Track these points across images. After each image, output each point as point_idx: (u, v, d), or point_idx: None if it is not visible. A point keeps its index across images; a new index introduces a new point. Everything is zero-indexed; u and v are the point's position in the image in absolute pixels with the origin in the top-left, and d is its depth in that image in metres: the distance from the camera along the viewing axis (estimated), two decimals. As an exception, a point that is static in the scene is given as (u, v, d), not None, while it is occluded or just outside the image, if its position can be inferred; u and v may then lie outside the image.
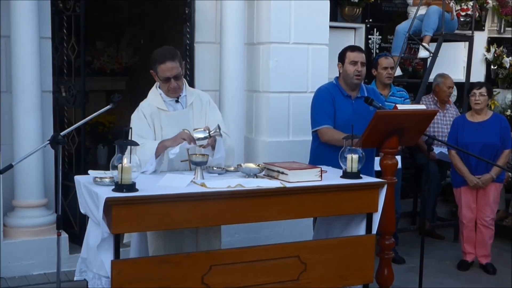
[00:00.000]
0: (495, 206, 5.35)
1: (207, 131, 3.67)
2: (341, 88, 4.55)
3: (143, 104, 3.92)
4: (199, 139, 3.66)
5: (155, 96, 3.94)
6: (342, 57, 4.56)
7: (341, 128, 4.33)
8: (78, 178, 3.62)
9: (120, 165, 3.15)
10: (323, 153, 4.45)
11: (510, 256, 5.66)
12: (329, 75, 5.53)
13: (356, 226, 3.90)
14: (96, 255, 3.27)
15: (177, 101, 3.94)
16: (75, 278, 3.66)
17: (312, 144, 4.65)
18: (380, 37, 7.32)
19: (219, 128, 3.70)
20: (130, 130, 3.37)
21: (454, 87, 7.37)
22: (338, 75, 4.63)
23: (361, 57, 4.49)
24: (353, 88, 4.53)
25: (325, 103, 4.49)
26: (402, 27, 6.67)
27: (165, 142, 3.71)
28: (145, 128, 3.82)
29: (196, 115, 3.96)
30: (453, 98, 7.31)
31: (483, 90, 5.25)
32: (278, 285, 3.56)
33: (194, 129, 3.72)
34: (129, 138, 3.28)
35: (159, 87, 3.95)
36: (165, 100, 3.92)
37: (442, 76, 6.36)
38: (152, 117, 3.86)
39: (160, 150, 3.71)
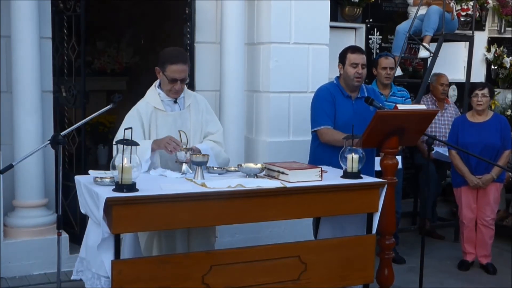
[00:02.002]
0: (495, 206, 5.34)
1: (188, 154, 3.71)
2: (342, 88, 4.54)
3: (140, 103, 3.92)
4: (179, 158, 3.73)
5: (153, 95, 3.94)
6: (343, 58, 4.54)
7: (342, 128, 4.33)
8: (78, 178, 3.62)
9: (121, 165, 3.15)
10: (323, 153, 4.44)
11: (511, 256, 5.65)
12: (329, 75, 5.53)
13: (361, 228, 3.90)
14: (95, 255, 3.27)
15: (175, 102, 3.95)
16: (72, 278, 3.65)
17: (312, 144, 4.65)
18: (381, 37, 7.32)
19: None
20: (131, 130, 3.38)
21: (454, 87, 7.40)
22: (338, 75, 4.63)
23: (361, 59, 4.47)
24: (353, 89, 4.52)
25: (325, 103, 4.48)
26: (403, 27, 6.67)
27: (153, 144, 3.73)
28: (136, 130, 3.70)
29: (193, 117, 3.98)
30: (453, 98, 7.32)
31: (485, 91, 5.25)
32: (278, 285, 3.56)
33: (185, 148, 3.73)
34: (130, 138, 3.28)
35: (159, 86, 3.95)
36: (163, 99, 3.92)
37: (435, 74, 6.38)
38: (149, 116, 3.86)
39: (154, 149, 3.75)
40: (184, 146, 3.80)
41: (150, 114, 3.87)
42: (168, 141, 3.72)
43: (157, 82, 3.99)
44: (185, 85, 3.95)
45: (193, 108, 3.99)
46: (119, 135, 3.74)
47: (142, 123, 3.85)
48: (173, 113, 3.93)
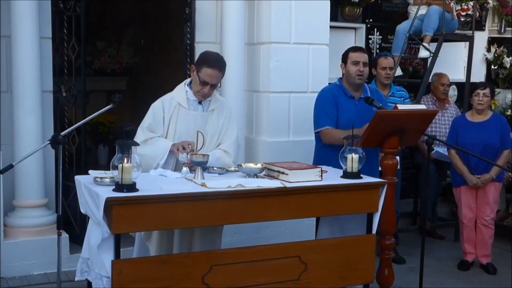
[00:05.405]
0: (495, 205, 5.35)
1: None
2: (344, 89, 4.54)
3: (166, 97, 4.01)
4: (181, 159, 3.78)
5: (180, 91, 4.01)
6: (344, 58, 4.56)
7: (345, 129, 4.32)
8: (78, 178, 3.62)
9: (121, 165, 3.15)
10: (326, 153, 4.43)
11: (511, 256, 5.66)
12: (329, 75, 5.53)
13: (361, 228, 3.91)
14: (97, 255, 3.28)
15: (199, 103, 3.99)
16: (76, 279, 3.65)
17: (316, 145, 4.65)
18: (381, 37, 7.32)
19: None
20: (131, 129, 3.39)
21: (454, 87, 7.40)
22: (341, 76, 4.63)
23: (363, 57, 4.49)
24: (356, 89, 4.53)
25: (327, 105, 4.49)
26: (403, 27, 6.67)
27: (172, 146, 3.84)
28: (158, 123, 3.92)
29: (214, 122, 4.03)
30: (453, 98, 7.32)
31: (487, 91, 5.26)
32: (278, 285, 3.56)
33: (194, 154, 3.76)
34: (129, 139, 3.28)
35: (188, 85, 4.02)
36: (189, 97, 3.98)
37: (436, 74, 6.39)
38: (171, 110, 3.93)
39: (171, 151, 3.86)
40: (199, 148, 3.84)
41: (173, 108, 3.94)
42: (184, 146, 3.78)
43: (187, 80, 4.07)
44: (214, 91, 4.01)
45: (216, 113, 4.04)
46: (145, 122, 3.92)
47: (163, 117, 3.94)
48: (194, 113, 3.98)
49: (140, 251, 4.03)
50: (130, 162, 3.17)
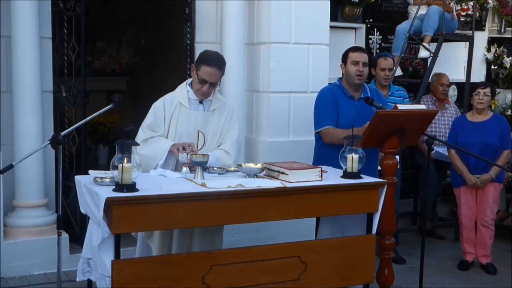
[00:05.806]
0: (495, 206, 5.34)
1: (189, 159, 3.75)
2: (344, 89, 4.54)
3: (167, 96, 4.03)
4: (181, 159, 3.79)
5: (181, 91, 4.04)
6: (344, 58, 4.56)
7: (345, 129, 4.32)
8: (78, 178, 3.62)
9: (121, 165, 3.15)
10: (326, 153, 4.43)
11: (511, 256, 5.66)
12: (329, 75, 5.53)
13: (361, 228, 3.91)
14: (99, 256, 3.28)
15: (200, 102, 4.01)
16: (77, 279, 3.64)
17: (315, 145, 4.65)
18: (381, 37, 7.32)
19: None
20: (131, 129, 3.39)
21: (454, 87, 7.40)
22: (341, 76, 4.63)
23: (363, 57, 4.49)
24: (355, 89, 4.53)
25: (327, 105, 4.49)
26: (403, 27, 6.67)
27: (172, 146, 3.84)
28: (159, 122, 3.94)
29: (215, 122, 4.04)
30: (453, 98, 7.32)
31: (488, 90, 5.26)
32: (278, 285, 3.56)
33: (194, 153, 3.76)
34: (129, 139, 3.29)
35: (190, 84, 4.04)
36: (190, 97, 4.00)
37: (436, 74, 6.39)
38: (172, 110, 3.95)
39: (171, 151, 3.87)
40: (200, 148, 3.85)
41: (174, 107, 3.96)
42: (185, 146, 3.80)
43: (189, 80, 4.09)
44: (215, 90, 4.03)
45: (217, 113, 4.05)
46: (146, 121, 3.94)
47: (164, 116, 3.96)
48: (195, 112, 4.00)
49: (143, 250, 4.04)
50: (130, 162, 3.17)
